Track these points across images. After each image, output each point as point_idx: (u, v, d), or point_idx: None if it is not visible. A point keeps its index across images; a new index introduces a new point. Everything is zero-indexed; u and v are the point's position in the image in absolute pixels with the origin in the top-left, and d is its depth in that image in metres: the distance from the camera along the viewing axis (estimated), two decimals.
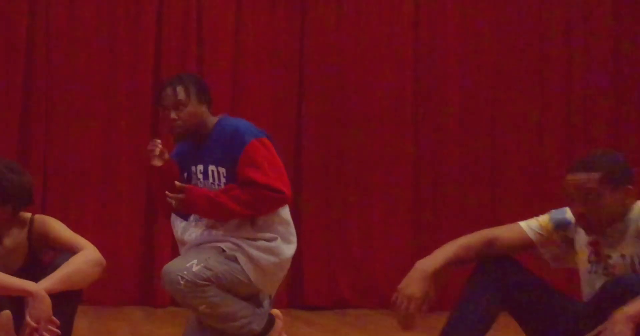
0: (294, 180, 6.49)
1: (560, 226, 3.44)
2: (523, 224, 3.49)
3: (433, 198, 6.87)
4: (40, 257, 3.81)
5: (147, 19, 6.62)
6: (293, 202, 4.26)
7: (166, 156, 4.15)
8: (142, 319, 5.81)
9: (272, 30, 6.77)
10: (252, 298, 4.17)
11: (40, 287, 3.39)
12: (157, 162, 4.13)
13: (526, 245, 3.47)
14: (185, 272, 3.95)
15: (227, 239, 4.10)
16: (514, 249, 3.44)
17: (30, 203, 3.74)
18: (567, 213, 3.42)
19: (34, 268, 3.72)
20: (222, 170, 4.13)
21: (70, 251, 3.65)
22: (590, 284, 3.30)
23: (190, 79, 4.23)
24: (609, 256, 3.29)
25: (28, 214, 3.76)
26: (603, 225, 3.26)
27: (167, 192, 4.06)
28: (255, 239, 4.11)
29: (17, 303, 3.50)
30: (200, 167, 4.19)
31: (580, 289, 3.37)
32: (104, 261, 3.90)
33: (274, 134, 4.30)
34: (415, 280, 3.29)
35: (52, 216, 3.78)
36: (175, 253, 4.54)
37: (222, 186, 4.12)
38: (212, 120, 4.23)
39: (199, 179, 4.19)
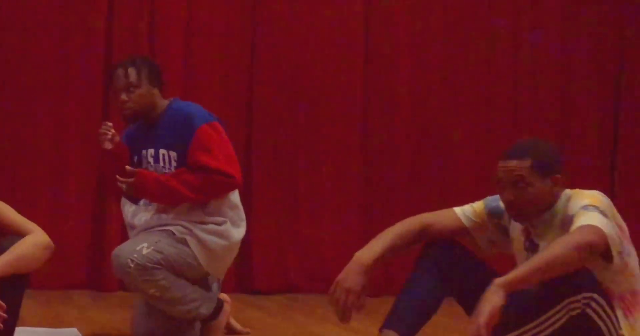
0: (244, 165, 6.47)
1: (495, 214, 3.47)
2: (458, 210, 3.51)
3: (382, 184, 6.89)
4: None
5: (98, 1, 6.53)
6: (243, 186, 4.25)
7: (117, 139, 4.12)
8: (90, 304, 5.77)
9: (224, 15, 6.72)
10: (201, 282, 4.17)
11: None
12: (108, 146, 4.11)
13: (460, 231, 3.48)
14: (135, 255, 3.94)
15: (177, 222, 4.09)
16: (448, 235, 3.46)
17: None
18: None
19: None
20: (173, 154, 4.12)
21: (17, 234, 3.61)
22: None
23: (142, 61, 4.22)
24: (538, 245, 3.32)
25: None
26: (531, 213, 3.29)
27: (117, 176, 4.04)
28: (205, 223, 4.10)
29: None
30: (151, 151, 4.17)
31: None
32: (52, 244, 3.86)
33: (224, 118, 4.30)
34: (354, 272, 3.30)
35: (0, 199, 3.74)
36: (124, 237, 4.52)
37: (173, 170, 4.11)
38: (163, 103, 4.21)
39: (150, 162, 4.18)
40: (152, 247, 3.98)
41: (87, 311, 5.44)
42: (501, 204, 3.42)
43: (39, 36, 6.49)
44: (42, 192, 6.44)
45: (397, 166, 6.91)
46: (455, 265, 3.36)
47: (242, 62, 6.73)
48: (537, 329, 3.08)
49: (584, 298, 3.06)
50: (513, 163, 3.25)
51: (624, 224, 3.23)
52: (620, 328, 3.17)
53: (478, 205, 3.50)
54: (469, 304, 3.29)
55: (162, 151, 4.14)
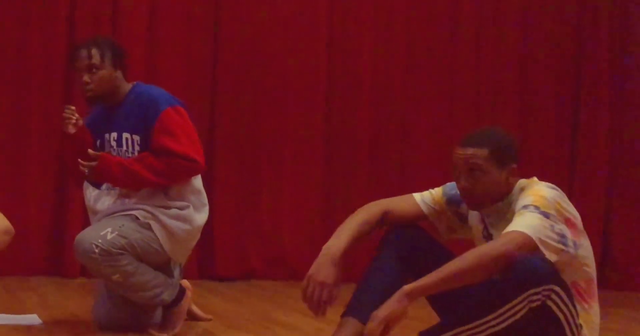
0: (207, 150, 6.43)
1: (453, 202, 3.48)
2: (417, 196, 3.52)
3: (344, 171, 6.90)
4: None
5: None
6: (205, 172, 4.24)
7: (80, 123, 4.09)
8: (51, 290, 5.74)
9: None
10: (164, 267, 4.16)
11: None
12: (72, 130, 4.07)
13: (419, 217, 3.50)
14: (99, 241, 3.92)
15: (140, 207, 4.08)
16: (407, 221, 3.47)
17: None
18: None
19: None
20: (137, 138, 4.09)
21: None
22: None
23: (106, 42, 4.18)
24: (492, 235, 3.34)
25: None
26: (485, 202, 3.30)
27: (79, 160, 4.01)
28: (168, 208, 4.09)
29: None
30: (114, 134, 4.14)
31: None
32: (12, 229, 3.85)
33: (188, 103, 4.28)
34: (325, 265, 3.28)
35: None
36: (86, 222, 4.50)
37: (136, 153, 4.09)
38: (126, 86, 4.19)
39: (112, 146, 4.15)
40: (117, 232, 3.96)
41: (48, 297, 5.41)
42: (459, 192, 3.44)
43: (0, 19, 6.41)
44: (2, 176, 6.37)
45: (358, 154, 6.92)
46: (416, 251, 3.38)
47: (206, 47, 6.70)
48: (497, 320, 3.08)
49: (545, 289, 3.07)
50: (470, 151, 3.26)
51: (576, 216, 3.24)
52: (578, 318, 3.20)
53: (437, 192, 3.51)
54: None
55: (125, 135, 4.12)
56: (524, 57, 7.24)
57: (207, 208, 4.25)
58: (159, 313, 4.24)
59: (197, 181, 4.20)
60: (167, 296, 4.12)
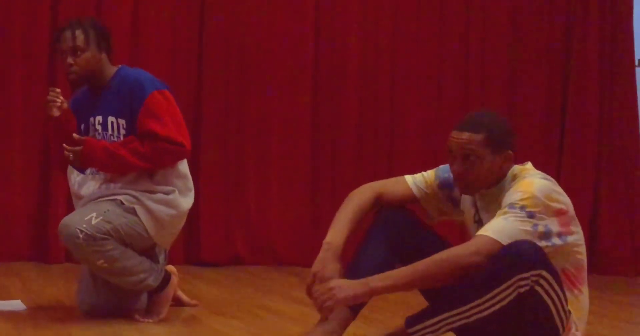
0: (193, 135, 6.40)
1: (446, 185, 3.49)
2: (409, 178, 3.52)
3: (331, 158, 6.88)
4: None
5: None
6: (191, 157, 4.22)
7: (65, 106, 4.06)
8: (35, 275, 5.72)
9: None
10: (149, 253, 4.15)
11: None
12: (56, 113, 4.04)
13: (410, 200, 3.51)
14: (84, 226, 3.90)
15: (125, 191, 4.06)
16: (398, 203, 3.48)
17: None
18: None
19: None
20: (122, 122, 4.07)
21: None
22: None
23: (91, 24, 4.14)
24: (482, 219, 3.34)
25: None
26: (479, 187, 3.31)
27: (64, 144, 3.98)
28: (153, 192, 4.08)
29: None
30: (99, 118, 4.12)
31: None
32: None
33: (173, 87, 4.25)
34: (329, 261, 3.26)
35: None
36: (70, 207, 4.47)
37: (122, 137, 4.07)
38: (111, 69, 4.16)
39: (97, 130, 4.12)
40: (101, 217, 3.94)
41: (32, 283, 5.39)
42: (452, 176, 3.44)
43: None
44: None
45: (345, 140, 6.91)
46: (403, 235, 3.38)
47: (192, 30, 6.66)
48: (484, 305, 3.09)
49: (533, 275, 3.08)
50: (466, 136, 3.26)
51: (568, 203, 3.25)
52: (567, 303, 3.21)
53: (429, 176, 3.51)
54: None
55: (110, 119, 4.10)
56: (513, 43, 7.22)
57: (192, 193, 4.24)
58: (144, 298, 4.23)
59: (183, 166, 4.19)
60: (153, 281, 4.11)
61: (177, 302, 4.51)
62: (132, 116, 4.04)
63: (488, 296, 3.09)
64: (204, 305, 4.64)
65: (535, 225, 3.14)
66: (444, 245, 3.36)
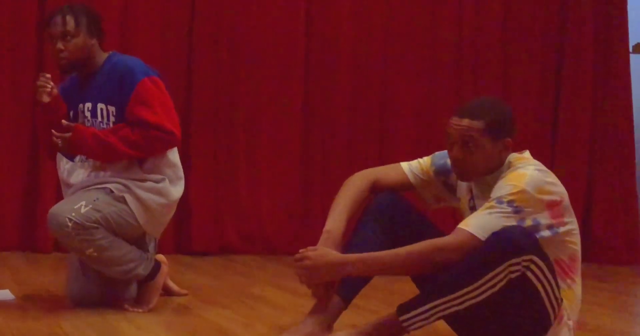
0: (183, 123, 6.38)
1: (442, 172, 3.50)
2: (405, 165, 3.54)
3: (322, 144, 6.89)
4: None
5: None
6: (182, 145, 4.22)
7: (55, 92, 4.05)
8: (24, 265, 5.72)
9: None
10: (138, 242, 4.15)
11: None
12: (46, 99, 4.03)
13: (406, 186, 3.54)
14: (73, 214, 3.90)
15: (115, 180, 4.05)
16: (394, 190, 3.50)
17: None
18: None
19: None
20: (112, 109, 4.06)
21: None
22: None
23: (82, 9, 4.13)
24: (476, 206, 3.35)
25: None
26: (476, 174, 3.32)
27: (53, 131, 3.98)
28: (143, 181, 4.08)
29: None
30: (89, 105, 4.11)
31: None
32: None
33: (163, 75, 4.24)
34: (329, 248, 3.28)
35: None
36: (59, 196, 4.47)
37: (111, 125, 4.06)
38: (102, 55, 4.15)
39: (87, 117, 4.11)
40: (91, 205, 3.94)
41: (21, 272, 5.40)
42: (448, 162, 3.45)
43: None
44: None
45: (337, 127, 6.91)
46: (396, 219, 3.41)
47: (182, 17, 6.64)
48: (476, 292, 3.11)
49: (524, 260, 3.09)
50: (465, 122, 3.27)
51: (562, 193, 3.26)
52: (559, 291, 3.22)
53: (425, 162, 3.53)
54: None
55: (100, 105, 4.08)
56: (506, 29, 7.23)
57: (183, 182, 4.24)
58: (133, 288, 4.23)
59: (173, 154, 4.18)
60: (142, 270, 4.12)
61: (167, 292, 4.52)
62: (122, 103, 4.03)
63: (479, 282, 3.10)
64: (194, 294, 4.65)
65: (522, 220, 3.16)
66: (434, 231, 3.38)
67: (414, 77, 7.05)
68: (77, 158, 4.16)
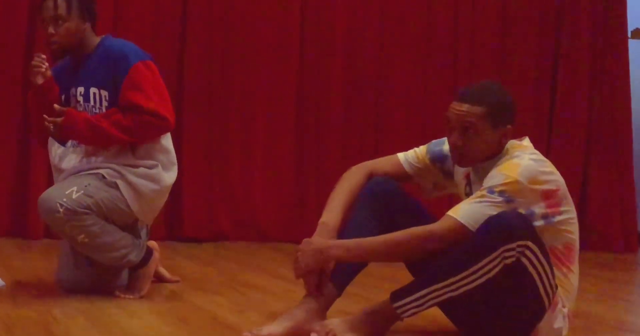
0: (176, 108, 6.35)
1: (438, 159, 3.52)
2: (401, 155, 3.56)
3: (316, 132, 6.90)
4: None
5: None
6: (174, 130, 4.22)
7: (48, 73, 4.04)
8: (14, 251, 5.73)
9: None
10: (130, 228, 4.16)
11: None
12: (40, 80, 4.02)
13: (403, 178, 3.55)
14: (64, 200, 3.90)
15: (107, 165, 4.05)
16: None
17: None
18: (445, 145, 3.48)
19: None
20: (105, 93, 4.05)
21: None
22: None
23: None
24: (471, 192, 3.37)
25: None
26: (474, 161, 3.33)
27: (44, 115, 3.97)
28: (136, 166, 4.07)
29: None
30: (81, 89, 4.09)
31: None
32: None
33: (155, 59, 4.23)
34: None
35: None
36: (50, 181, 4.47)
37: (104, 109, 4.05)
38: (95, 39, 4.13)
39: (79, 101, 4.10)
40: (82, 191, 3.94)
41: (11, 259, 5.41)
42: (444, 148, 3.47)
43: None
44: None
45: (332, 114, 6.92)
46: (389, 204, 3.42)
47: (175, 0, 6.64)
48: (471, 278, 3.13)
49: (519, 245, 3.11)
50: (465, 108, 3.27)
51: (558, 181, 3.27)
52: (554, 278, 3.24)
53: (421, 151, 3.55)
54: None
55: (92, 90, 4.07)
56: (503, 17, 7.23)
57: (176, 168, 4.24)
58: (125, 275, 4.24)
59: (166, 140, 4.18)
60: (134, 257, 4.12)
61: (159, 278, 4.53)
62: (115, 88, 4.01)
63: (474, 268, 3.12)
64: (186, 281, 4.66)
65: (514, 210, 3.17)
66: (427, 216, 3.40)
67: (409, 66, 7.06)
68: (69, 143, 4.16)
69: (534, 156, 3.27)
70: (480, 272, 3.12)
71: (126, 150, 4.08)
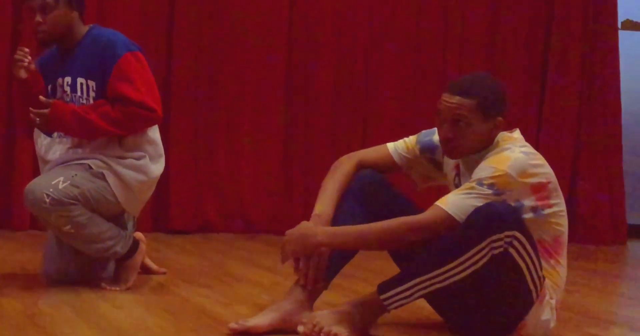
0: (163, 99, 6.36)
1: (427, 149, 3.53)
2: (390, 145, 3.57)
3: (304, 123, 6.90)
4: None
5: None
6: (162, 122, 4.22)
7: (32, 67, 4.03)
8: None
9: None
10: (117, 219, 4.16)
11: None
12: (24, 75, 4.01)
13: (392, 168, 3.56)
14: (51, 190, 3.90)
15: (94, 156, 4.05)
16: (380, 171, 3.53)
17: None
18: (435, 135, 3.49)
19: None
20: (92, 83, 4.03)
21: None
22: None
23: None
24: (460, 183, 3.39)
25: None
26: (465, 153, 3.34)
27: (31, 108, 3.97)
28: (123, 158, 4.08)
29: None
30: (68, 79, 4.08)
31: None
32: None
33: (143, 49, 4.23)
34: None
35: None
36: (36, 172, 4.47)
37: (91, 100, 4.04)
38: (83, 29, 4.11)
39: (66, 92, 4.09)
40: (69, 181, 3.94)
41: None
42: (434, 139, 3.48)
43: None
44: None
45: (320, 105, 6.93)
46: (376, 198, 3.43)
47: None
48: (458, 269, 3.14)
49: (507, 236, 3.12)
50: (456, 100, 3.27)
51: (548, 174, 3.28)
52: (541, 269, 3.26)
53: (410, 141, 3.56)
54: None
55: (80, 80, 4.06)
56: (493, 6, 7.24)
57: (163, 159, 4.24)
58: (111, 266, 4.25)
59: (154, 131, 4.19)
60: (121, 248, 4.13)
61: (145, 270, 4.54)
62: (102, 78, 4.00)
63: (461, 259, 3.13)
64: (173, 273, 4.67)
65: (502, 201, 3.19)
66: (413, 207, 3.42)
67: (398, 53, 7.06)
68: (55, 134, 4.16)
69: (524, 149, 3.28)
70: (468, 263, 3.14)
71: (113, 141, 4.08)
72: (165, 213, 6.59)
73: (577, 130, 7.33)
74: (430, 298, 3.40)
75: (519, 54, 7.28)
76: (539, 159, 3.29)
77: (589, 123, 7.34)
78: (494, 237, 3.11)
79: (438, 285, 3.16)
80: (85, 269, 4.22)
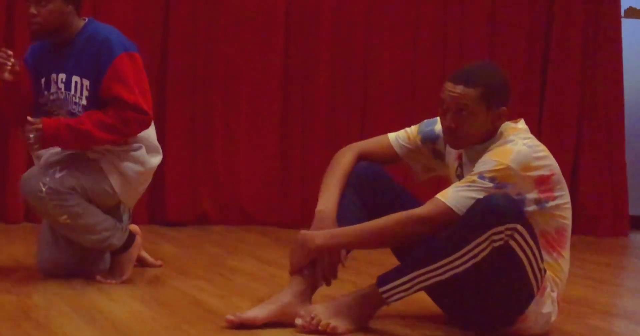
0: (159, 91, 6.43)
1: (429, 139, 3.53)
2: (391, 136, 3.58)
3: (301, 114, 6.90)
4: None
5: None
6: (157, 112, 4.22)
7: (16, 68, 3.96)
8: None
9: None
10: (113, 211, 4.16)
11: None
12: (8, 78, 3.96)
13: (393, 159, 3.57)
14: (47, 179, 3.90)
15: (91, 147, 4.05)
16: (380, 162, 3.54)
17: None
18: (437, 125, 3.50)
19: None
20: (86, 82, 4.00)
21: None
22: None
23: None
24: (462, 174, 3.39)
25: None
26: (468, 143, 3.34)
27: (25, 128, 3.91)
28: (120, 148, 4.07)
29: None
30: (63, 76, 4.05)
31: None
32: None
33: (138, 43, 4.21)
34: (324, 228, 3.34)
35: None
36: (30, 164, 4.47)
37: (84, 99, 4.02)
38: (78, 23, 4.08)
39: (60, 88, 4.06)
40: (66, 171, 3.94)
41: None
42: (436, 129, 3.48)
43: None
44: None
45: (317, 97, 6.91)
46: (375, 191, 3.44)
47: None
48: (459, 261, 3.14)
49: (508, 228, 3.12)
50: (460, 89, 3.27)
51: (551, 166, 3.28)
52: (542, 261, 3.27)
53: (412, 131, 3.56)
54: None
55: (75, 78, 4.02)
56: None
57: (160, 150, 4.24)
58: (107, 259, 4.25)
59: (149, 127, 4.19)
60: (116, 240, 4.13)
61: (141, 263, 4.55)
62: (97, 77, 3.97)
63: (462, 251, 3.14)
64: (169, 265, 4.68)
65: (503, 193, 3.19)
66: (412, 200, 3.43)
67: (398, 47, 7.05)
68: None
69: (527, 141, 3.28)
70: (469, 255, 3.14)
71: None
72: (161, 205, 6.59)
73: (579, 120, 7.32)
74: (431, 290, 3.41)
75: (520, 42, 7.25)
76: (542, 151, 3.29)
77: (591, 113, 7.33)
78: (495, 229, 3.12)
79: (438, 278, 3.17)
80: (80, 262, 4.22)
